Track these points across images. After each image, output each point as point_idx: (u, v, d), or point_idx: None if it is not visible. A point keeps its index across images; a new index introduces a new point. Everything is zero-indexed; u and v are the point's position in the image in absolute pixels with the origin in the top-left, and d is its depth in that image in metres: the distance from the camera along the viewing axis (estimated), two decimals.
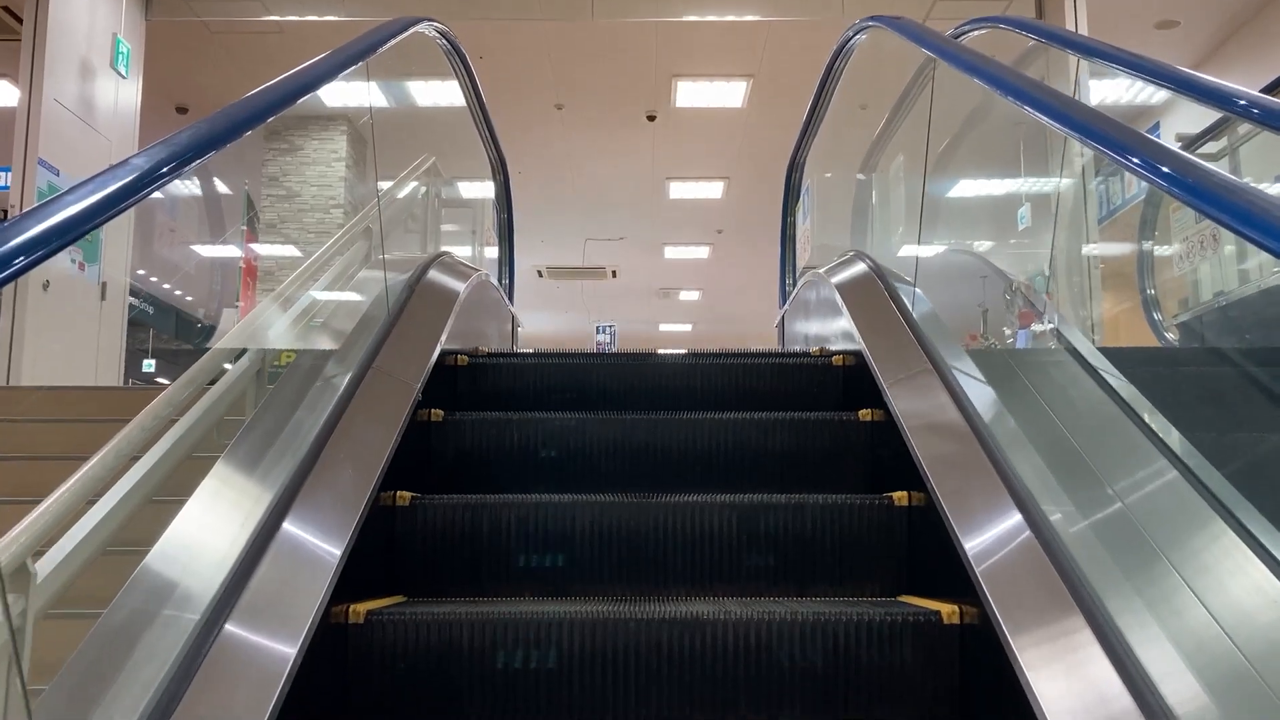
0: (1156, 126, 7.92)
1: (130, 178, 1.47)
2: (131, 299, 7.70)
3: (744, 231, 14.21)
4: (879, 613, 1.94)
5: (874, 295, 3.14)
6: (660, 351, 3.46)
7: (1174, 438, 1.95)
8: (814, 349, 3.51)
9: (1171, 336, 4.84)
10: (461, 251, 5.95)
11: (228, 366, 2.85)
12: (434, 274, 3.45)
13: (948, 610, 1.92)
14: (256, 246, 10.71)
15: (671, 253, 15.64)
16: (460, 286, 3.57)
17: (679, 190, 12.94)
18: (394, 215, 4.70)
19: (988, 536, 1.86)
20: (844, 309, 3.21)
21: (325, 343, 3.04)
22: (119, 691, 1.42)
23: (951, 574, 1.92)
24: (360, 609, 1.93)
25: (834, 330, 3.53)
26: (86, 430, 3.19)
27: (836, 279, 3.51)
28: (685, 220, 13.99)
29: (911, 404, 2.44)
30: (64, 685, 1.42)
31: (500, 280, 5.90)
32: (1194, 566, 1.66)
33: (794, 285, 5.63)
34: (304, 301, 3.66)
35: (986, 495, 1.96)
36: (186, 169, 1.60)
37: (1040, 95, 1.96)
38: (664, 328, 21.10)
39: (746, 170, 12.05)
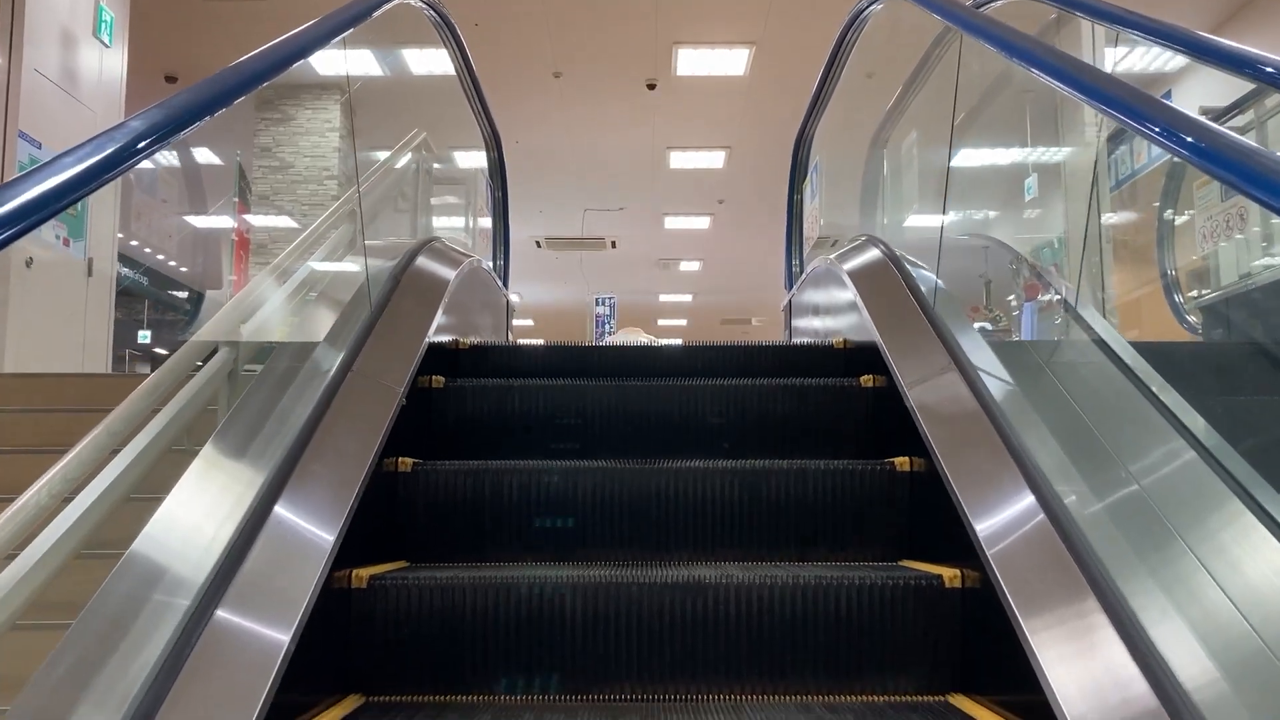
0: (1168, 94, 7.74)
1: (119, 144, 1.43)
2: (125, 269, 7.53)
3: (746, 202, 14.09)
4: (880, 576, 1.96)
5: (892, 289, 2.97)
6: (665, 347, 3.33)
7: (1187, 413, 1.94)
8: (835, 340, 3.35)
9: (1194, 320, 4.68)
10: (454, 222, 5.75)
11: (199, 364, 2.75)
12: (421, 263, 3.26)
13: (949, 574, 1.94)
14: (249, 219, 10.53)
15: (672, 223, 15.53)
16: (450, 276, 3.39)
17: (679, 160, 12.79)
18: (383, 195, 4.49)
19: (990, 501, 1.87)
20: (861, 307, 3.05)
21: (310, 335, 2.88)
22: (128, 644, 1.45)
23: (953, 539, 1.94)
24: (363, 574, 1.95)
25: (846, 324, 3.39)
26: (64, 421, 3.14)
27: (849, 266, 3.36)
28: (686, 190, 13.86)
29: (928, 397, 2.36)
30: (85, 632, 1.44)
31: (495, 260, 5.73)
32: (1198, 534, 1.67)
33: (800, 266, 5.50)
34: (301, 273, 3.53)
35: (989, 462, 1.97)
36: (178, 135, 1.58)
37: (1076, 72, 1.81)
38: (664, 298, 21.03)
39: (748, 139, 11.88)
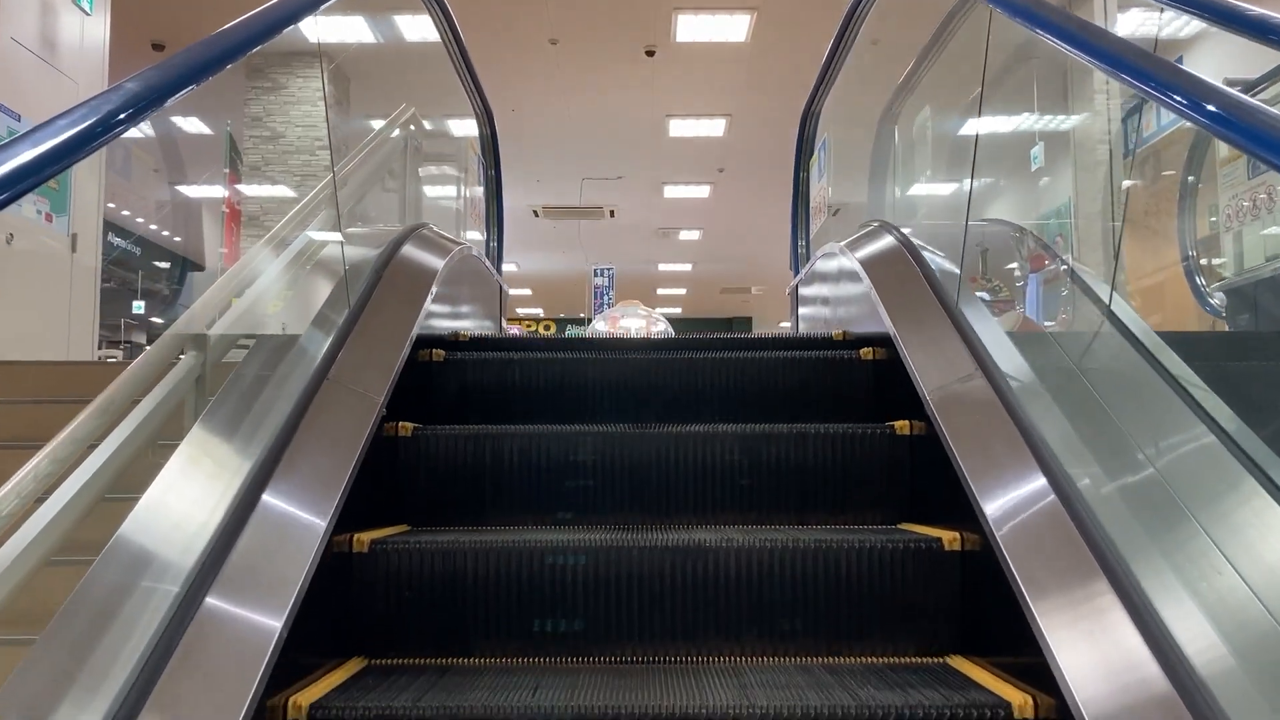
0: (1179, 60, 7.69)
1: (103, 113, 1.43)
2: (118, 239, 7.47)
3: (747, 170, 14.06)
4: (880, 539, 2.00)
5: (909, 282, 2.87)
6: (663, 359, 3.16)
7: (1198, 388, 1.96)
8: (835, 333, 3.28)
9: (1216, 303, 4.59)
10: (444, 203, 5.62)
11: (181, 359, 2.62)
12: (405, 256, 3.07)
13: (949, 537, 1.98)
14: (241, 189, 10.51)
15: (671, 192, 15.51)
16: (437, 268, 3.20)
17: (679, 128, 12.75)
18: (369, 175, 4.34)
19: (989, 464, 1.90)
20: (877, 303, 2.90)
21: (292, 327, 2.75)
22: (133, 604, 1.49)
23: (953, 502, 1.98)
24: (364, 538, 1.99)
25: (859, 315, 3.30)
26: (39, 414, 3.04)
27: (860, 253, 3.24)
28: (686, 159, 13.83)
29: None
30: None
31: (488, 242, 5.61)
32: (1201, 500, 1.69)
33: (807, 247, 5.40)
34: (298, 246, 3.40)
35: (989, 425, 2.00)
36: (166, 103, 1.57)
37: (1097, 40, 1.80)
38: (663, 267, 21.02)
39: (750, 107, 11.84)
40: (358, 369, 2.30)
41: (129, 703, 1.33)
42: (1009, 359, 2.22)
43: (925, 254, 2.85)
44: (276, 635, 1.52)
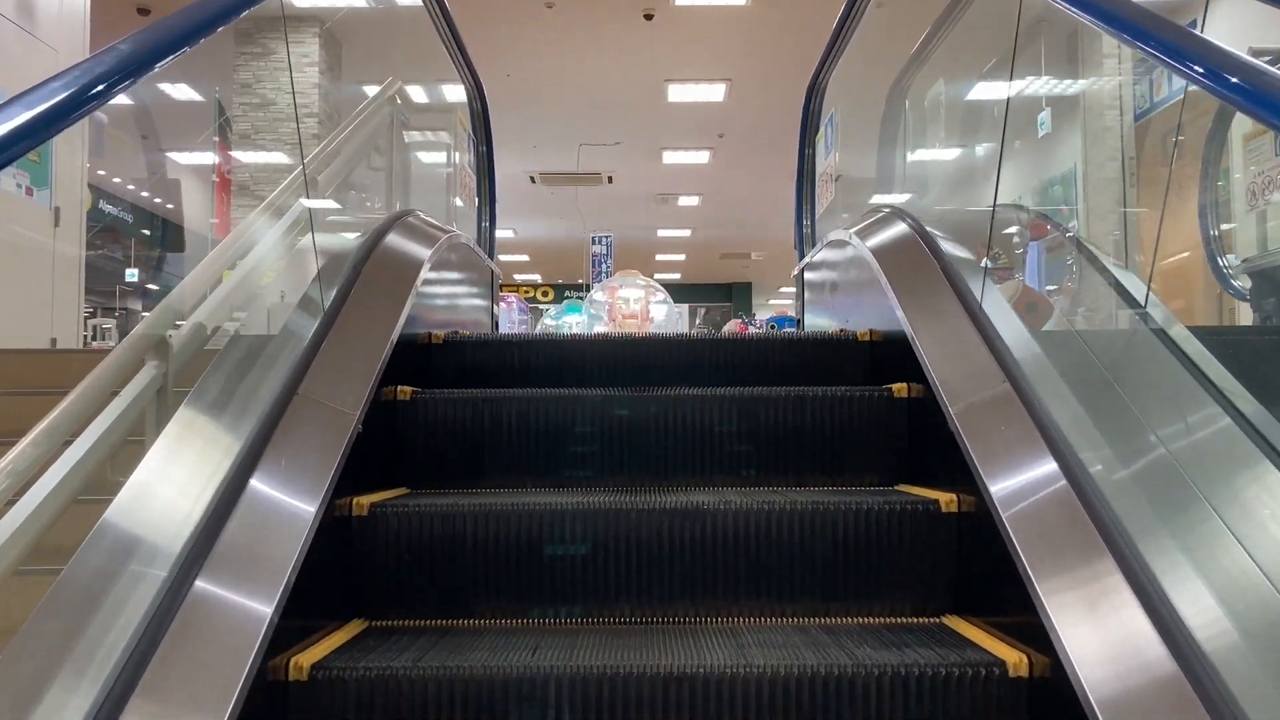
0: (1194, 24, 7.64)
1: (98, 74, 1.42)
2: (109, 207, 7.40)
3: (747, 136, 14.03)
4: (877, 501, 2.04)
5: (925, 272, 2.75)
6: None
7: (1205, 359, 1.93)
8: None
9: (1240, 285, 4.44)
10: (433, 170, 5.47)
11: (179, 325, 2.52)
12: (386, 251, 2.82)
13: (946, 499, 2.02)
14: (230, 158, 10.49)
15: (670, 158, 15.49)
16: (422, 262, 2.94)
17: (678, 93, 12.71)
18: (351, 157, 4.15)
19: (987, 425, 1.93)
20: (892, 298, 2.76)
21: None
22: (137, 564, 1.55)
23: (950, 464, 2.02)
24: (364, 501, 2.03)
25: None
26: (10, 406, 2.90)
27: (871, 243, 3.07)
28: (685, 124, 13.80)
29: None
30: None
31: (479, 222, 5.42)
32: (1203, 471, 1.69)
33: (812, 228, 5.26)
34: (290, 218, 3.27)
35: (988, 386, 2.02)
36: (158, 66, 1.56)
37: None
38: (662, 233, 21.01)
39: (750, 72, 11.81)
40: (329, 383, 2.14)
41: (134, 660, 1.37)
42: (1027, 350, 2.17)
43: (942, 243, 2.77)
44: (278, 596, 1.56)
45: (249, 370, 2.10)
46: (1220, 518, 1.58)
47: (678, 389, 2.47)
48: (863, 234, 3.11)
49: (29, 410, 2.08)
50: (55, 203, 6.27)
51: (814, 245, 4.88)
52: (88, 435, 2.09)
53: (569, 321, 11.34)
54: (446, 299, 3.52)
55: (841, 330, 3.10)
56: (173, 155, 12.84)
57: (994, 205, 2.60)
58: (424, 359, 2.91)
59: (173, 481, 1.73)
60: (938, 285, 2.49)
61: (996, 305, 2.34)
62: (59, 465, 1.98)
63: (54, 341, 6.10)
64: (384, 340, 2.39)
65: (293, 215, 3.36)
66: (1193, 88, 1.42)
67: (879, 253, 2.87)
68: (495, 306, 4.93)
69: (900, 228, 2.91)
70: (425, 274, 2.93)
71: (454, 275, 3.73)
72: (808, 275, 4.73)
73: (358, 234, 2.94)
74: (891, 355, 2.71)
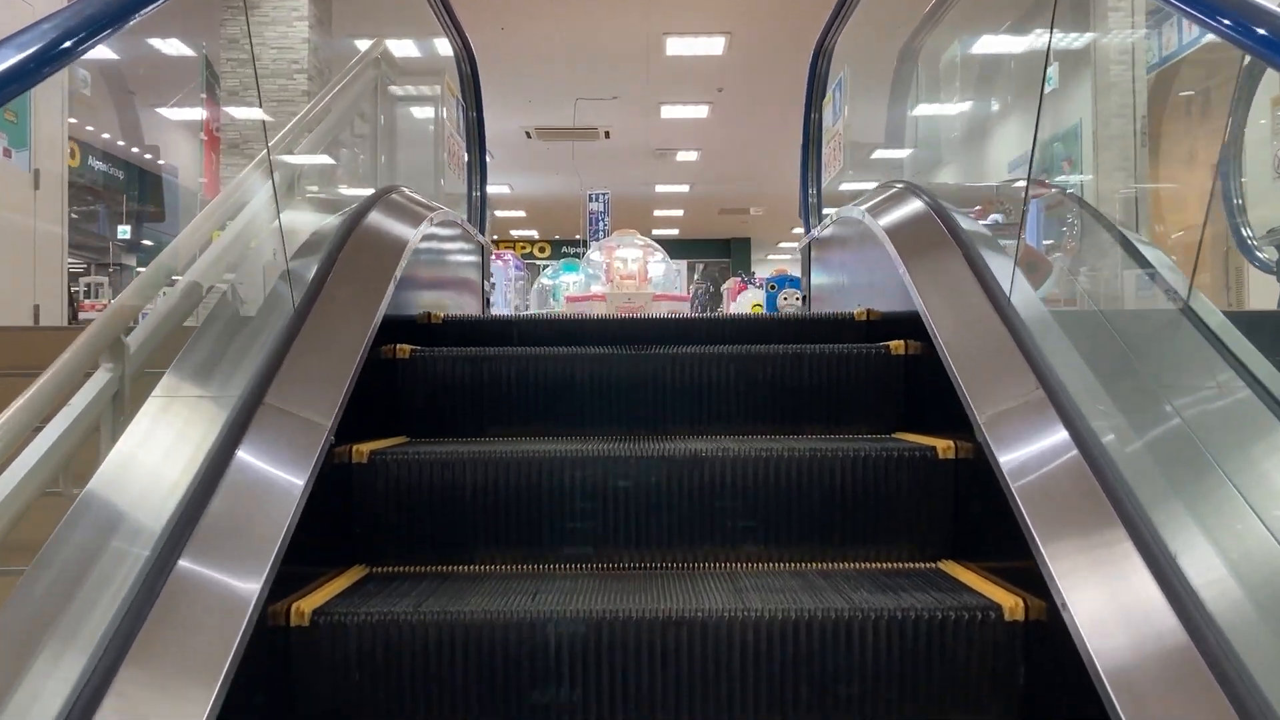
0: None
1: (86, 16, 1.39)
2: (100, 164, 7.30)
3: (746, 90, 13.94)
4: (874, 448, 2.07)
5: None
6: None
7: (1212, 313, 1.95)
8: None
9: (1266, 256, 4.35)
10: (419, 138, 5.21)
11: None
12: (362, 238, 2.57)
13: (943, 445, 2.05)
14: (219, 115, 10.42)
15: (669, 112, 15.38)
16: (403, 250, 2.71)
17: (676, 46, 12.61)
18: (332, 126, 3.82)
19: (985, 372, 1.96)
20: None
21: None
22: (141, 510, 1.60)
23: (947, 413, 2.04)
24: (364, 449, 2.06)
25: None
26: None
27: (885, 222, 2.92)
28: (683, 78, 13.70)
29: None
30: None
31: (470, 194, 5.17)
32: (1203, 422, 1.73)
33: (818, 197, 5.07)
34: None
35: (987, 337, 2.04)
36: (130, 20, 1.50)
37: None
38: (660, 189, 20.93)
39: (750, 24, 11.71)
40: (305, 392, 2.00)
41: (137, 602, 1.40)
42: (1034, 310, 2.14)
43: (958, 217, 2.66)
44: (279, 542, 1.60)
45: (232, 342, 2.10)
46: (1222, 470, 1.60)
47: (677, 347, 2.50)
48: (874, 210, 3.02)
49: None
50: (35, 164, 6.13)
51: (820, 217, 4.81)
52: (28, 455, 1.93)
53: (566, 281, 11.32)
54: (432, 285, 3.38)
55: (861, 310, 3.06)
56: (162, 111, 12.74)
57: (1028, 178, 2.54)
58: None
59: (171, 428, 1.76)
60: (939, 238, 2.50)
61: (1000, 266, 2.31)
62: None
63: (37, 309, 6.02)
64: (367, 322, 2.30)
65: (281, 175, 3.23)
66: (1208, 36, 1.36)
67: (888, 226, 2.85)
68: (486, 284, 4.73)
69: (917, 206, 2.81)
70: (405, 263, 2.68)
71: (440, 257, 3.58)
72: (815, 254, 4.56)
73: (337, 215, 2.75)
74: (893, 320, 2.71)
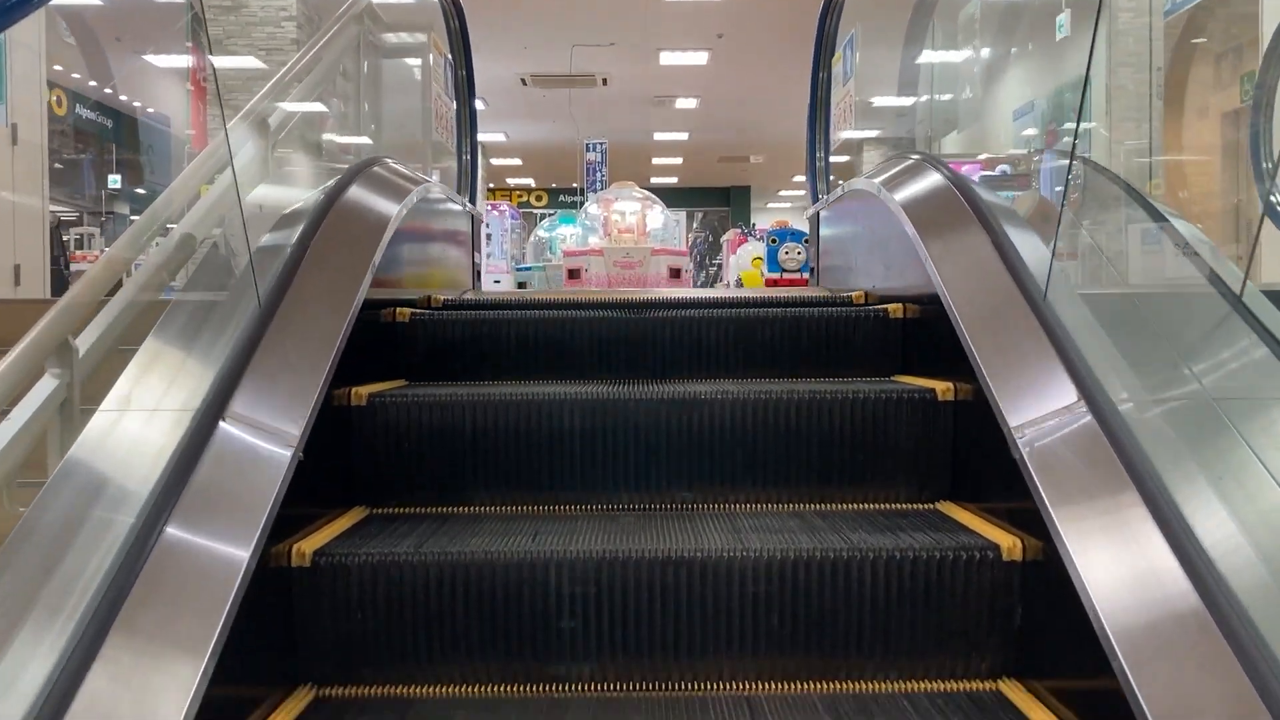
0: None
1: None
2: (88, 113, 7.19)
3: (747, 36, 13.81)
4: (873, 390, 2.10)
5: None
6: None
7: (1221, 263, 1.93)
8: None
9: None
10: (404, 100, 4.95)
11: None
12: (337, 222, 2.33)
13: (942, 387, 2.07)
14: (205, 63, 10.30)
15: (668, 59, 15.24)
16: (382, 235, 2.46)
17: None
18: (310, 87, 3.60)
19: (987, 316, 1.96)
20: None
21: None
22: (141, 457, 1.61)
23: (945, 358, 2.06)
24: (362, 391, 2.09)
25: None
26: None
27: (900, 197, 2.73)
28: (682, 24, 13.55)
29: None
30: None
31: (460, 157, 4.96)
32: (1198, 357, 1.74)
33: (825, 162, 4.91)
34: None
35: (991, 285, 2.03)
36: None
37: None
38: (659, 136, 20.80)
39: None
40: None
41: (139, 541, 1.42)
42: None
43: (978, 192, 2.50)
44: (279, 482, 1.61)
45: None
46: (1226, 418, 1.60)
47: (676, 311, 2.54)
48: (888, 182, 2.87)
49: None
50: (12, 119, 6.03)
51: (827, 184, 4.73)
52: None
53: (563, 233, 11.27)
54: (417, 263, 3.19)
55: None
56: (149, 58, 12.61)
57: (1072, 152, 2.46)
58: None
59: (169, 364, 1.77)
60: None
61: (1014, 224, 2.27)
62: None
63: (17, 269, 5.97)
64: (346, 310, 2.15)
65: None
66: None
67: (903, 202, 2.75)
68: (477, 256, 4.50)
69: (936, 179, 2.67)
70: (385, 243, 2.47)
71: (426, 235, 3.38)
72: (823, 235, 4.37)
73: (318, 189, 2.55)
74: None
